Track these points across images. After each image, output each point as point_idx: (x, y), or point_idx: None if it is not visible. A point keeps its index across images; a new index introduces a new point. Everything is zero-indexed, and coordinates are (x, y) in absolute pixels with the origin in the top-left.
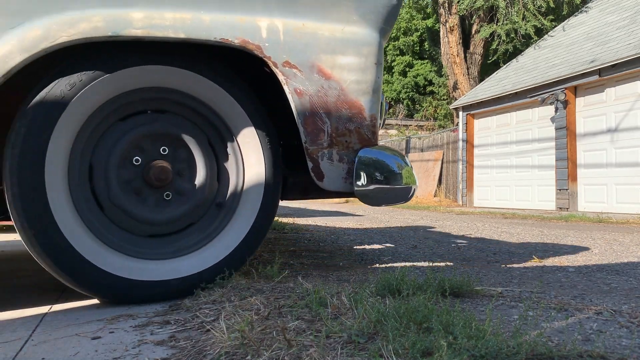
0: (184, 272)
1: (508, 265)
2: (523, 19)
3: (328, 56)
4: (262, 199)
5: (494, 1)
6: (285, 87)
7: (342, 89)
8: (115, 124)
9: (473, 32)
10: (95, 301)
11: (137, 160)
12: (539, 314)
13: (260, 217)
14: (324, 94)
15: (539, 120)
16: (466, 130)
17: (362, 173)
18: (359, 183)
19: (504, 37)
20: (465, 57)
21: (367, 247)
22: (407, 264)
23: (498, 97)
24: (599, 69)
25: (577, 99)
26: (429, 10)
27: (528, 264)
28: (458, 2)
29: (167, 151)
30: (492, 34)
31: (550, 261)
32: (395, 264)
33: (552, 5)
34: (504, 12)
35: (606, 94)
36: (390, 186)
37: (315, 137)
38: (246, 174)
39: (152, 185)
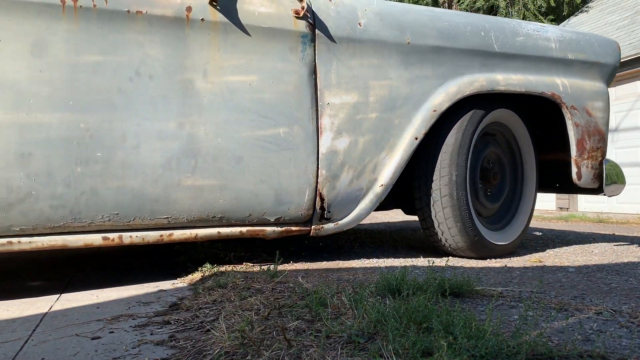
0: (506, 241)
1: (508, 265)
2: (523, 18)
3: (589, 102)
4: (533, 197)
5: (494, 1)
6: (569, 122)
7: (596, 122)
8: (473, 147)
9: None
10: (95, 301)
11: (481, 168)
12: (539, 314)
13: (531, 211)
14: (587, 126)
15: None
16: None
17: (608, 175)
18: (606, 182)
19: None
20: None
21: (366, 247)
22: (407, 264)
23: None
24: None
25: None
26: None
27: (528, 264)
28: (458, 2)
29: (490, 161)
30: None
31: (550, 261)
32: (395, 264)
33: (552, 4)
34: (504, 12)
35: None
36: (619, 184)
37: (581, 153)
38: (525, 179)
39: (486, 183)
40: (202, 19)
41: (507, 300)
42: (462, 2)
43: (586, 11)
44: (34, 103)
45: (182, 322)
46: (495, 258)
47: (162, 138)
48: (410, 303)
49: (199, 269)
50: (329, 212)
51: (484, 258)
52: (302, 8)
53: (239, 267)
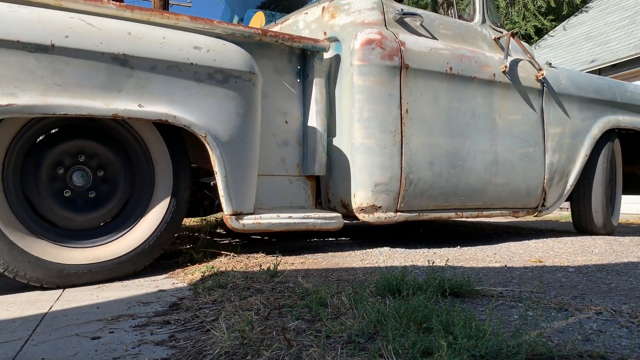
0: (615, 223)
1: (508, 265)
2: (523, 18)
3: None
4: (621, 195)
5: (494, 1)
6: None
7: None
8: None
9: None
10: (95, 301)
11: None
12: (539, 314)
13: (620, 204)
14: None
15: None
16: None
17: None
18: None
19: None
20: None
21: (366, 246)
22: (407, 263)
23: None
24: (599, 69)
25: None
26: (428, 9)
27: (528, 264)
28: (457, 2)
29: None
30: None
31: (550, 261)
32: (395, 264)
33: (552, 5)
34: (504, 12)
35: None
36: None
37: None
38: (617, 182)
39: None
40: (499, 81)
41: (507, 300)
42: (462, 2)
43: (586, 11)
44: (434, 131)
45: (182, 322)
46: (610, 235)
47: (484, 153)
48: (410, 303)
49: (199, 268)
50: (546, 201)
51: (609, 234)
52: (541, 75)
53: (239, 267)
